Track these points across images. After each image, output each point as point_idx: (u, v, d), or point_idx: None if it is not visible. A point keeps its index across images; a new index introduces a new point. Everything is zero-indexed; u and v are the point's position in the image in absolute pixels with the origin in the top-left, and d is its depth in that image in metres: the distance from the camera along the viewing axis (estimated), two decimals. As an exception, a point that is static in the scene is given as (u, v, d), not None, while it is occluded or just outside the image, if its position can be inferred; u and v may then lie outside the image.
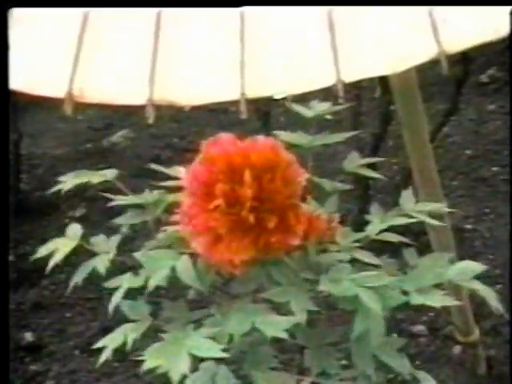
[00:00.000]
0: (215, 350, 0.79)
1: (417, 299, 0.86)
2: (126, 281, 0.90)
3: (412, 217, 0.95)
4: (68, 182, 1.02)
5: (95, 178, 1.02)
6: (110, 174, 1.03)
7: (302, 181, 0.89)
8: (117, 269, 0.95)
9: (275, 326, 0.82)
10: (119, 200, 1.01)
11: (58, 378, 1.71)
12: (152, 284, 0.86)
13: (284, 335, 0.82)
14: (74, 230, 0.99)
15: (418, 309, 1.76)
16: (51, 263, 0.96)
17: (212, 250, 0.86)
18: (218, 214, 0.85)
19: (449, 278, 0.88)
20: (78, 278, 0.96)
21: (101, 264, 0.94)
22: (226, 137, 0.88)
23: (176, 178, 0.98)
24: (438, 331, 1.76)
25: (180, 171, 0.96)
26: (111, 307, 0.90)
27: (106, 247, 0.97)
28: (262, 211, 0.85)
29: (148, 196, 1.00)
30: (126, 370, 1.67)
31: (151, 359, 0.80)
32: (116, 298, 0.90)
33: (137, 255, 0.89)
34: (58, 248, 0.96)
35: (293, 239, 0.87)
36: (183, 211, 0.88)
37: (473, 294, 0.89)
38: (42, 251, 0.97)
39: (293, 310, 0.84)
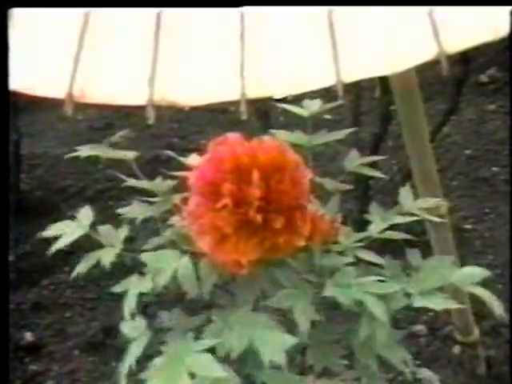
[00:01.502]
0: (216, 370, 0.79)
1: (419, 302, 0.86)
2: (134, 284, 0.89)
3: (413, 214, 0.95)
4: (83, 151, 1.01)
5: (111, 153, 1.01)
6: (129, 155, 1.02)
7: (308, 182, 0.89)
8: (118, 269, 0.95)
9: (274, 346, 0.81)
10: (132, 183, 1.00)
11: (57, 378, 1.71)
12: (159, 284, 0.86)
13: (282, 360, 0.80)
14: (85, 214, 0.97)
15: (418, 309, 1.76)
16: (58, 245, 0.94)
17: (218, 250, 0.85)
18: (225, 214, 0.84)
19: (452, 282, 0.88)
20: (82, 267, 0.94)
21: (106, 257, 0.93)
22: (232, 137, 0.88)
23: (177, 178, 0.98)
24: (437, 331, 1.76)
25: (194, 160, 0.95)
26: (127, 313, 0.89)
27: (112, 239, 0.96)
28: (269, 212, 0.85)
29: (160, 184, 1.00)
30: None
31: (152, 381, 0.80)
32: (131, 304, 0.89)
33: (142, 256, 0.89)
34: (65, 231, 0.95)
35: (299, 240, 0.86)
36: (189, 210, 0.88)
37: (472, 293, 0.89)
38: (51, 231, 0.96)
39: (296, 318, 0.84)
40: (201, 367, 0.79)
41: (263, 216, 0.84)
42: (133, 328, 0.92)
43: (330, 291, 0.84)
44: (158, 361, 0.82)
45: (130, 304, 0.89)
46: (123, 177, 1.01)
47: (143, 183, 1.00)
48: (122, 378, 0.88)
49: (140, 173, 1.00)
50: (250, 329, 0.83)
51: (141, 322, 0.92)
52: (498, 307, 0.88)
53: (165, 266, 0.87)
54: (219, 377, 0.79)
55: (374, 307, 0.82)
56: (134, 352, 0.88)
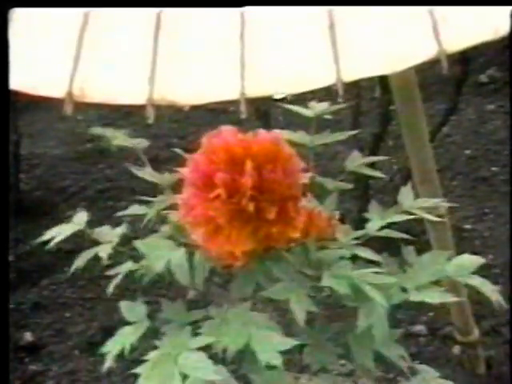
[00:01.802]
0: (209, 371, 0.78)
1: (416, 296, 0.86)
2: (126, 266, 0.90)
3: (411, 213, 0.95)
4: (96, 130, 1.02)
5: (121, 139, 1.01)
6: (139, 142, 1.02)
7: (304, 176, 0.89)
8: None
9: (271, 348, 0.81)
10: (142, 173, 1.01)
11: (57, 378, 1.71)
12: (154, 270, 0.86)
13: (278, 362, 0.80)
14: (80, 216, 0.98)
15: (417, 308, 1.76)
16: (53, 242, 0.95)
17: (212, 241, 0.86)
18: (218, 204, 0.85)
19: (447, 274, 0.88)
20: (79, 262, 0.95)
21: (103, 251, 0.94)
22: (227, 129, 0.88)
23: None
24: (437, 331, 1.76)
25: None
26: (111, 288, 0.90)
27: (109, 237, 0.97)
28: (262, 201, 0.85)
29: (167, 177, 1.00)
30: (126, 370, 1.67)
31: (144, 380, 0.79)
32: (116, 281, 0.90)
33: (137, 243, 0.89)
34: (62, 231, 0.96)
35: (292, 231, 0.86)
36: (183, 201, 0.88)
37: (472, 293, 0.89)
38: (49, 234, 0.96)
39: (292, 311, 0.84)
40: (193, 368, 0.78)
41: (256, 206, 0.84)
42: (132, 311, 0.92)
43: (326, 282, 0.84)
44: (151, 356, 0.82)
45: (115, 281, 0.90)
46: (134, 169, 1.02)
47: (151, 174, 1.01)
48: (110, 358, 0.88)
49: (148, 163, 1.01)
50: (247, 327, 0.82)
51: (141, 308, 0.93)
52: (494, 295, 0.88)
53: (161, 253, 0.87)
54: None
55: (373, 293, 0.82)
56: (128, 337, 0.88)
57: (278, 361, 0.80)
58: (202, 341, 0.82)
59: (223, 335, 0.83)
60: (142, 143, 1.03)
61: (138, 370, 0.81)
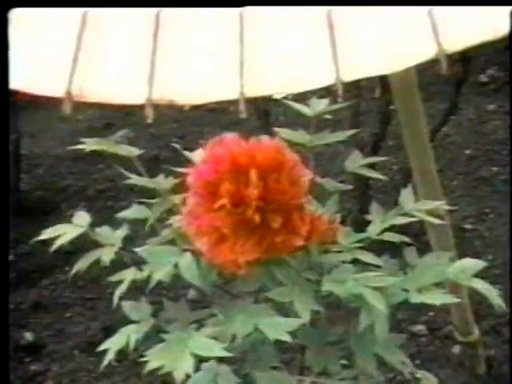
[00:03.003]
0: (218, 350, 0.79)
1: (417, 298, 0.85)
2: (130, 274, 0.90)
3: (413, 216, 0.95)
4: (88, 145, 1.00)
5: (114, 148, 1.00)
6: (132, 151, 1.02)
7: (307, 181, 0.89)
8: (117, 269, 0.94)
9: (278, 328, 0.82)
10: (134, 180, 1.00)
11: (57, 378, 1.71)
12: (155, 278, 0.86)
13: (287, 338, 0.81)
14: (82, 217, 0.98)
15: (417, 308, 1.76)
16: (56, 245, 0.94)
17: (216, 250, 0.86)
18: (223, 214, 0.84)
19: (449, 277, 0.88)
20: (81, 264, 0.94)
21: (106, 255, 0.93)
22: (230, 137, 0.88)
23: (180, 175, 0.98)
24: (437, 331, 1.76)
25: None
26: (115, 299, 0.90)
27: (111, 239, 0.96)
28: (267, 211, 0.85)
29: (162, 181, 1.00)
30: (126, 370, 1.68)
31: (154, 360, 0.80)
32: (120, 290, 0.90)
33: (139, 250, 0.89)
34: (64, 232, 0.95)
35: (297, 240, 0.86)
36: (188, 210, 0.88)
37: (472, 293, 0.89)
38: (48, 233, 0.96)
39: (296, 310, 0.84)
40: (203, 348, 0.80)
41: (261, 216, 0.84)
42: (135, 309, 0.92)
43: (327, 286, 0.84)
44: (160, 345, 0.82)
45: (120, 291, 0.89)
46: (127, 173, 1.01)
47: (145, 180, 1.00)
48: (111, 354, 0.88)
49: (143, 170, 1.00)
50: (252, 318, 0.83)
51: (145, 307, 0.92)
52: (496, 298, 0.88)
53: (165, 260, 0.87)
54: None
55: (372, 298, 0.82)
56: (133, 334, 0.88)
57: (286, 337, 0.81)
58: (208, 331, 0.83)
59: (228, 328, 0.83)
60: (135, 151, 1.02)
61: (146, 357, 0.81)
